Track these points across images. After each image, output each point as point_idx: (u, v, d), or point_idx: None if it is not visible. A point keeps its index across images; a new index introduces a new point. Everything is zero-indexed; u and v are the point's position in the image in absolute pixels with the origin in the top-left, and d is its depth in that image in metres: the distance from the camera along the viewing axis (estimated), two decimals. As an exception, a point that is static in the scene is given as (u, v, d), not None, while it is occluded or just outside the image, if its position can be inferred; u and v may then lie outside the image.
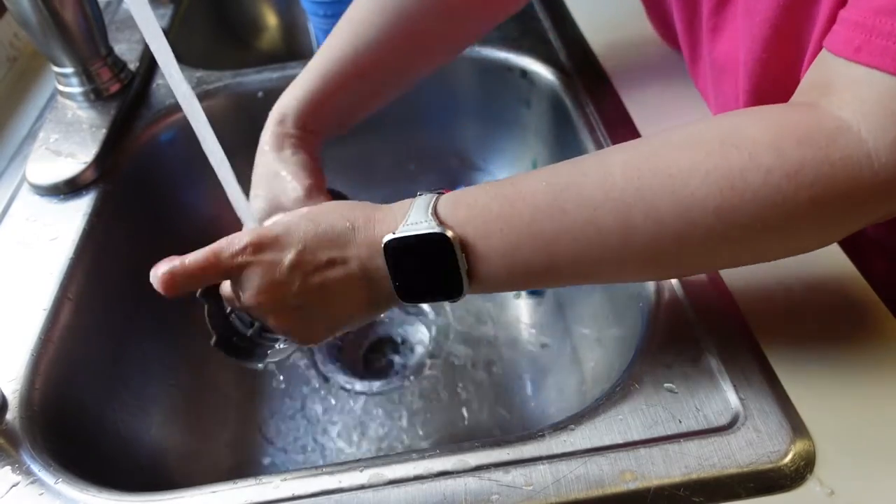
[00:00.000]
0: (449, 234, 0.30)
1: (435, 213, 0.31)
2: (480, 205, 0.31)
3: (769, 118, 0.29)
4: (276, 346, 0.39)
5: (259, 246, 0.32)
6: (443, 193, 0.33)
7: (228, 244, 0.33)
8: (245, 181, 0.64)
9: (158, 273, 0.34)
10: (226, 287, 0.36)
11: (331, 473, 0.32)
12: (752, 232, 0.28)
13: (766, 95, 0.38)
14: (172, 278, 0.33)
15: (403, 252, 0.31)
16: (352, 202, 0.35)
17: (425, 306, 0.60)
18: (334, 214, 0.33)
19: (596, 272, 0.32)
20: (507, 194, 0.31)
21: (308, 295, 0.33)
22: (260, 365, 0.39)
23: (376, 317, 0.34)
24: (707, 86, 0.46)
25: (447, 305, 0.60)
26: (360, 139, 0.65)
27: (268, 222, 0.37)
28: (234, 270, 0.33)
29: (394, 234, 0.31)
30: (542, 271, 0.31)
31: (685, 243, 0.29)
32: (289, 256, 0.32)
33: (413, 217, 0.31)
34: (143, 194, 0.56)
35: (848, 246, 0.39)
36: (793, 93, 0.32)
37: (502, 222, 0.31)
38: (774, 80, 0.37)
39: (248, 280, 0.33)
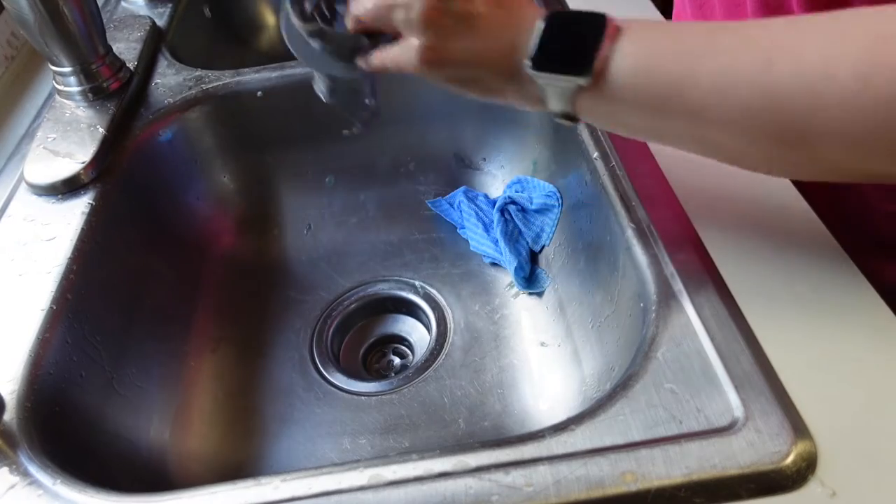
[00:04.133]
0: (608, 18, 0.32)
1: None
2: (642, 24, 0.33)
3: None
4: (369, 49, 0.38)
5: None
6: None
7: None
8: (242, 183, 0.64)
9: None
10: None
11: (330, 474, 0.32)
12: (887, 109, 0.27)
13: None
14: None
15: (560, 22, 0.33)
16: None
17: (426, 308, 0.60)
18: None
19: (723, 114, 0.31)
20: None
21: (466, 6, 0.34)
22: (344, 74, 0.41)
23: (487, 78, 0.36)
24: None
25: (447, 309, 0.60)
26: (360, 139, 0.65)
27: None
28: None
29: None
30: (673, 88, 0.32)
31: (818, 104, 0.28)
32: None
33: None
34: (141, 194, 0.55)
35: (857, 250, 0.39)
36: None
37: (654, 28, 0.33)
38: None
39: None
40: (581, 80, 0.33)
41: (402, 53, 0.37)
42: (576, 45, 0.33)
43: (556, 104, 0.35)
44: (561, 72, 0.33)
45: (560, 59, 0.33)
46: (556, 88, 0.34)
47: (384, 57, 0.38)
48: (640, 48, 0.32)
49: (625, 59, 0.32)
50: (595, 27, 0.33)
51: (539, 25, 0.34)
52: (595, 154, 0.49)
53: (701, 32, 0.32)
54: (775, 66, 0.29)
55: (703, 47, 0.31)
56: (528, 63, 0.34)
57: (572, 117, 0.35)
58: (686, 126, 0.33)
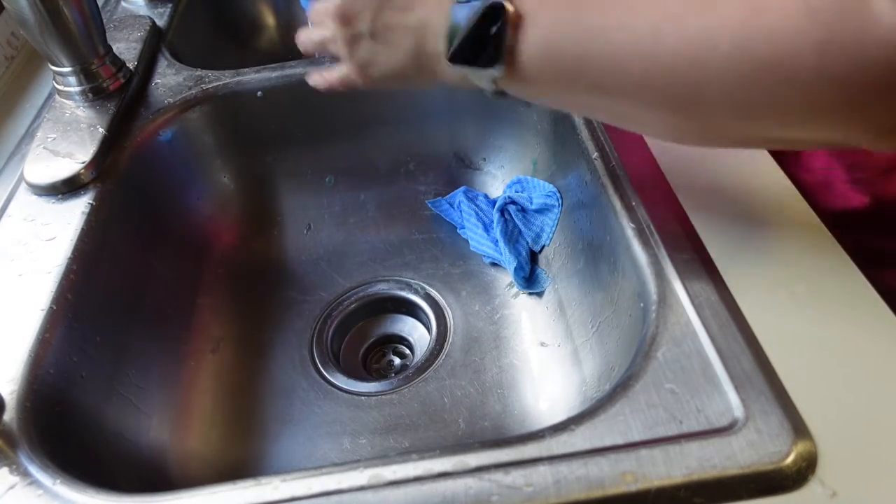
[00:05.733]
0: (508, 6, 0.34)
1: None
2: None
3: None
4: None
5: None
6: None
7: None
8: (242, 183, 0.64)
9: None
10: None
11: (330, 474, 0.32)
12: (767, 75, 0.27)
13: None
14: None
15: (465, 16, 0.36)
16: None
17: (426, 308, 0.60)
18: None
19: (621, 87, 0.33)
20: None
21: (375, 25, 0.39)
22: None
23: (417, 80, 0.42)
24: None
25: (447, 309, 0.60)
26: (360, 139, 0.65)
27: None
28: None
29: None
30: (576, 68, 0.33)
31: (703, 73, 0.29)
32: None
33: None
34: (141, 194, 0.55)
35: (857, 251, 0.39)
36: None
37: (554, 8, 0.34)
38: None
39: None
40: (495, 71, 0.35)
41: (345, 74, 0.43)
42: (482, 39, 0.35)
43: (482, 85, 0.38)
44: (476, 65, 0.36)
45: (472, 54, 0.36)
46: (476, 76, 0.37)
47: (331, 77, 0.45)
48: (543, 34, 0.34)
49: (530, 47, 0.34)
50: (497, 18, 0.34)
51: (444, 26, 0.37)
52: (595, 154, 0.49)
53: (595, 9, 0.33)
54: (661, 39, 0.30)
55: (598, 26, 0.32)
56: (445, 61, 0.37)
57: (502, 93, 0.38)
58: (593, 99, 0.35)
